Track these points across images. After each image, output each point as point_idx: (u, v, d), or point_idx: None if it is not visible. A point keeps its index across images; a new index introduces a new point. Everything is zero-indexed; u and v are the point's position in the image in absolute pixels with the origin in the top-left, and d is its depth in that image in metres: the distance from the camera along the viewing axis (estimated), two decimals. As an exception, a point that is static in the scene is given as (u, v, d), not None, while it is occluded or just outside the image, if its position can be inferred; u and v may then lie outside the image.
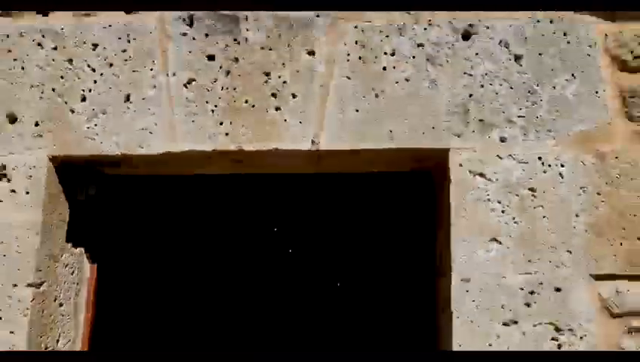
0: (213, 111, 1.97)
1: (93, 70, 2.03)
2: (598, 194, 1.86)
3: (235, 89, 1.98)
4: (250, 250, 3.29)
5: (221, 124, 1.97)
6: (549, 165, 1.88)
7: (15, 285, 1.91)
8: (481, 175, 1.89)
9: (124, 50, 2.03)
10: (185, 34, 2.03)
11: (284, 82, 1.97)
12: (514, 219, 1.85)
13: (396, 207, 2.79)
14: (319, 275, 3.12)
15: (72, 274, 2.11)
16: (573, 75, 1.94)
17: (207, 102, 1.98)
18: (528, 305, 1.80)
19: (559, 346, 1.78)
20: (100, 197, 2.22)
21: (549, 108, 1.92)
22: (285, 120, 1.95)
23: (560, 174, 1.87)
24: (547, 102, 1.92)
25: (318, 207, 3.05)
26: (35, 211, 1.95)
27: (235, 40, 2.01)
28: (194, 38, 2.02)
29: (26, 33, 2.08)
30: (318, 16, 2.01)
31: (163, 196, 3.18)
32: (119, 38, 2.04)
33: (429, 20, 1.99)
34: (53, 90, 2.03)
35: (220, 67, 2.00)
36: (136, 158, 2.01)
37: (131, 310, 3.07)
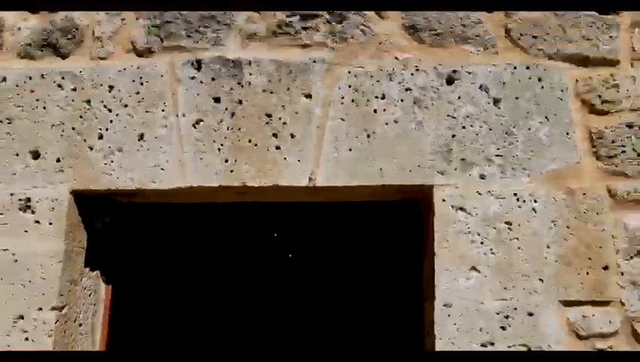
0: (219, 149, 2.17)
1: (110, 110, 2.22)
2: (568, 227, 2.06)
3: (239, 129, 2.18)
4: (254, 270, 3.46)
5: (226, 161, 2.16)
6: (524, 200, 2.08)
7: (40, 308, 2.10)
8: (462, 209, 2.08)
9: (138, 92, 2.23)
10: (193, 77, 2.22)
11: (284, 123, 2.17)
12: (491, 250, 2.05)
13: (388, 232, 2.96)
14: (315, 295, 3.29)
15: (89, 295, 2.31)
16: (546, 117, 2.13)
17: (213, 141, 2.17)
18: (504, 328, 2.00)
19: (531, 365, 1.98)
20: (114, 224, 2.41)
21: (524, 148, 2.12)
22: (285, 158, 2.15)
23: (533, 209, 2.07)
24: (522, 143, 2.12)
25: (315, 232, 3.23)
26: (57, 241, 2.14)
27: (239, 83, 2.20)
28: (201, 82, 2.21)
29: (47, 75, 2.27)
30: (315, 62, 2.20)
31: (171, 218, 3.36)
32: (133, 81, 2.24)
33: (416, 66, 2.18)
34: (73, 128, 2.22)
35: (226, 109, 2.19)
36: (149, 192, 2.20)
37: (144, 326, 3.25)
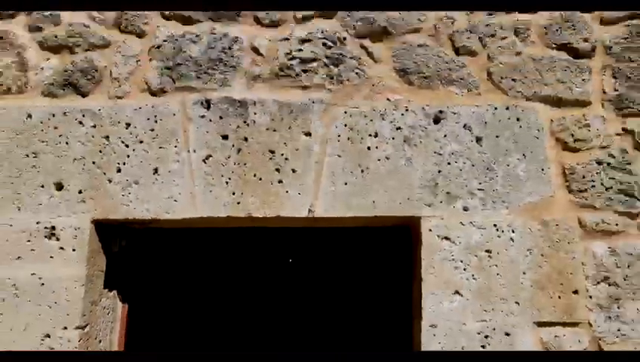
0: (227, 183, 2.38)
1: (127, 146, 2.44)
2: (542, 255, 2.28)
3: (245, 164, 2.39)
4: (262, 292, 3.64)
5: (234, 193, 2.37)
6: (503, 231, 2.30)
7: (65, 328, 2.32)
8: (447, 238, 2.30)
9: (152, 130, 2.44)
10: (203, 116, 2.44)
11: (286, 159, 2.39)
12: (473, 275, 2.27)
13: (382, 255, 3.15)
14: (313, 313, 3.48)
15: (107, 314, 2.53)
16: (524, 154, 2.35)
17: (222, 176, 2.39)
18: (484, 347, 2.23)
19: (508, 380, 2.20)
20: (130, 247, 2.63)
21: (504, 183, 2.34)
22: (287, 191, 2.36)
23: (511, 239, 2.29)
24: (502, 178, 2.34)
25: (313, 256, 3.42)
26: (80, 266, 2.36)
27: (244, 122, 2.42)
28: (210, 120, 2.43)
29: (69, 113, 2.48)
30: (314, 102, 2.42)
31: (183, 241, 3.57)
32: (148, 119, 2.45)
33: (406, 107, 2.40)
34: (93, 162, 2.43)
35: (233, 145, 2.40)
36: (163, 221, 2.42)
37: (157, 342, 3.45)
